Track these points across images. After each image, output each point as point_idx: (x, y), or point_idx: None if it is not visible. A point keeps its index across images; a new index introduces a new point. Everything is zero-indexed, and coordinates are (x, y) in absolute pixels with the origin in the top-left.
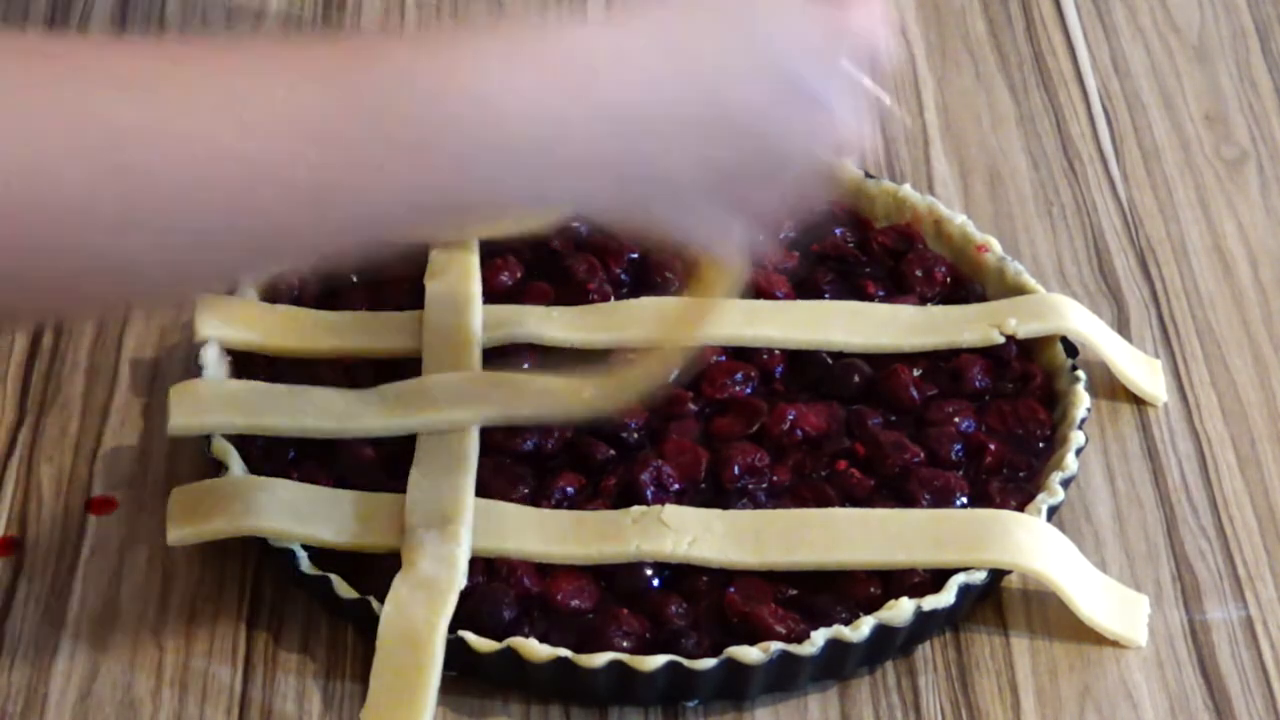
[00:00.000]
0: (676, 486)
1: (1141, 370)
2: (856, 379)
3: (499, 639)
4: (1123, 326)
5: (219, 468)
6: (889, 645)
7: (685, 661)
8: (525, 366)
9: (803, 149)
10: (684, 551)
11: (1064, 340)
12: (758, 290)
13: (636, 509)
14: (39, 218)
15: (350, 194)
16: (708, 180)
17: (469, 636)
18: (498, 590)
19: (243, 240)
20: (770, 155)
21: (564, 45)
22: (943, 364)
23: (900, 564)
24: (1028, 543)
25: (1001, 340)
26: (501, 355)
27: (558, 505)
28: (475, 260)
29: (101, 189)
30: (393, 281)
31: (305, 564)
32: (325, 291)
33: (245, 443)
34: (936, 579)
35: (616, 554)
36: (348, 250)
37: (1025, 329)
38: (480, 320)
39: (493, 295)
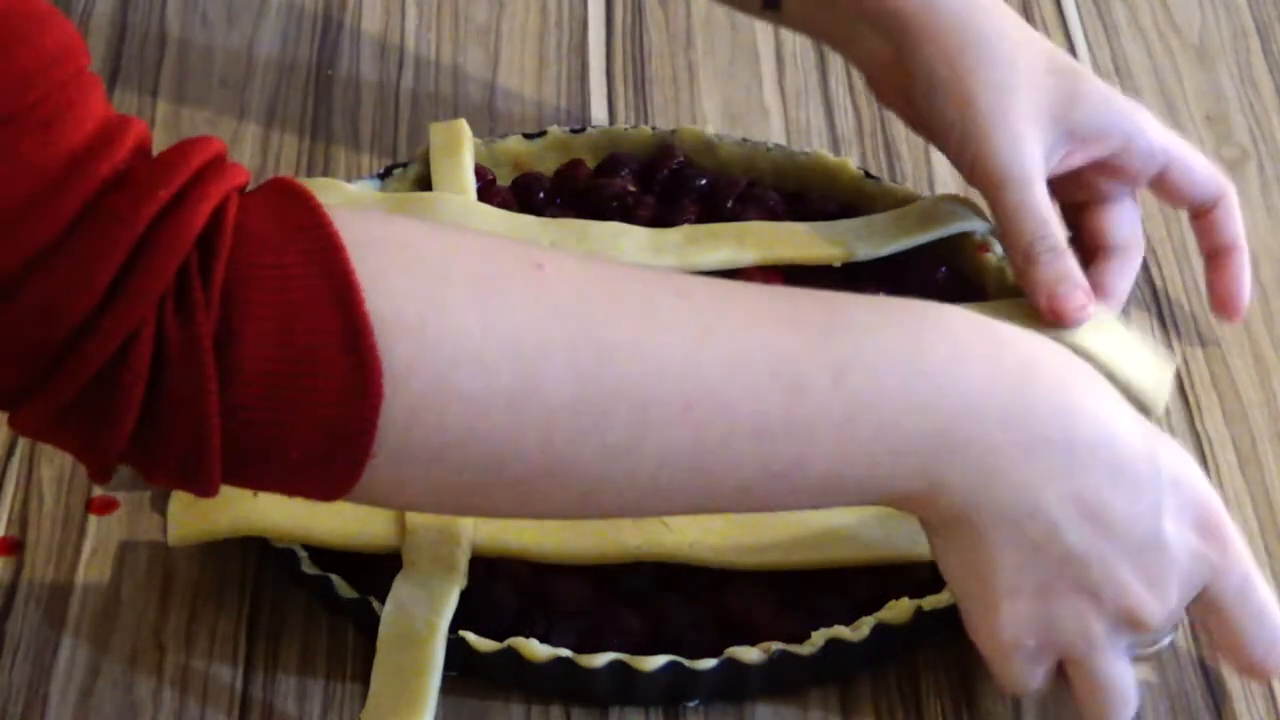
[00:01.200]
0: None
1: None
2: None
3: (499, 639)
4: None
5: None
6: (889, 645)
7: (686, 661)
8: None
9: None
10: (684, 552)
11: None
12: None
13: None
14: (516, 416)
15: (795, 455)
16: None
17: (469, 636)
18: (498, 590)
19: (684, 477)
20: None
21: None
22: None
23: (901, 557)
24: None
25: None
26: None
27: None
28: None
29: (580, 395)
30: None
31: (306, 564)
32: None
33: None
34: (937, 579)
35: (616, 554)
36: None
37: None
38: None
39: None
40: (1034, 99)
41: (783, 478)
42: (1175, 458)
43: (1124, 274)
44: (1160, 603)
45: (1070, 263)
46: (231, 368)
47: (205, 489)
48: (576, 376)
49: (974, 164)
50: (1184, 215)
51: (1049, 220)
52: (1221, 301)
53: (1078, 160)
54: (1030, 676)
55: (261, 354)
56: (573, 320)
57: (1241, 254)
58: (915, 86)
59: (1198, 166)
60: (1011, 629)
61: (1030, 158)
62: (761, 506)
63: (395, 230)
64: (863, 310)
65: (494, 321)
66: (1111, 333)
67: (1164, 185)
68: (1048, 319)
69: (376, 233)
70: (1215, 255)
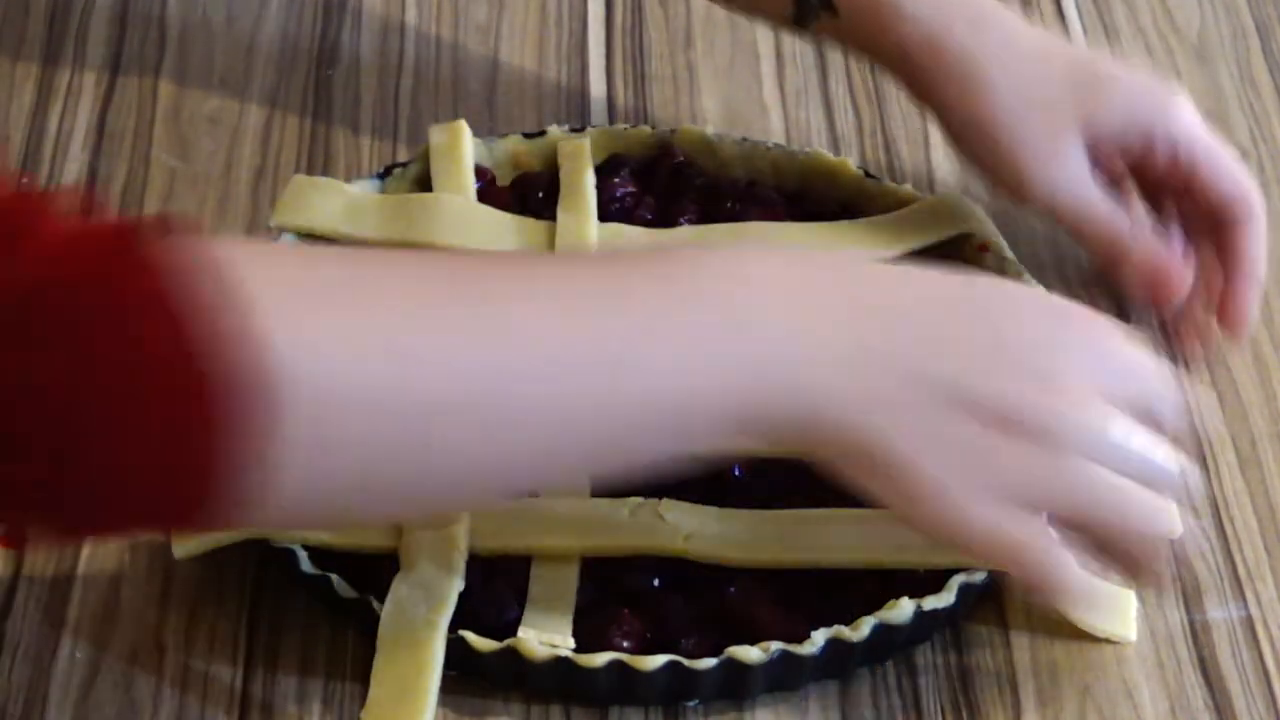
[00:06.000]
0: (676, 486)
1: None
2: None
3: (499, 639)
4: None
5: None
6: (889, 645)
7: (685, 661)
8: None
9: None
10: (679, 546)
11: None
12: None
13: (634, 500)
14: (394, 418)
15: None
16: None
17: (469, 636)
18: (498, 590)
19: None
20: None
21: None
22: None
23: (893, 563)
24: None
25: None
26: None
27: None
28: None
29: (490, 390)
30: None
31: (305, 564)
32: None
33: None
34: (937, 578)
35: (612, 547)
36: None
37: None
38: None
39: None
40: (1052, 115)
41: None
42: (985, 278)
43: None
44: (1065, 393)
45: (1151, 240)
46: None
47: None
48: (449, 371)
49: (1019, 193)
50: None
51: (1113, 217)
52: (1226, 322)
53: (1118, 163)
54: (1036, 540)
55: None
56: (497, 320)
57: (1255, 285)
58: (942, 126)
59: (1224, 173)
60: (978, 514)
61: (1067, 173)
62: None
63: (256, 248)
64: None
65: (363, 325)
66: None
67: (1191, 188)
68: (1148, 302)
69: (239, 252)
70: (1230, 277)
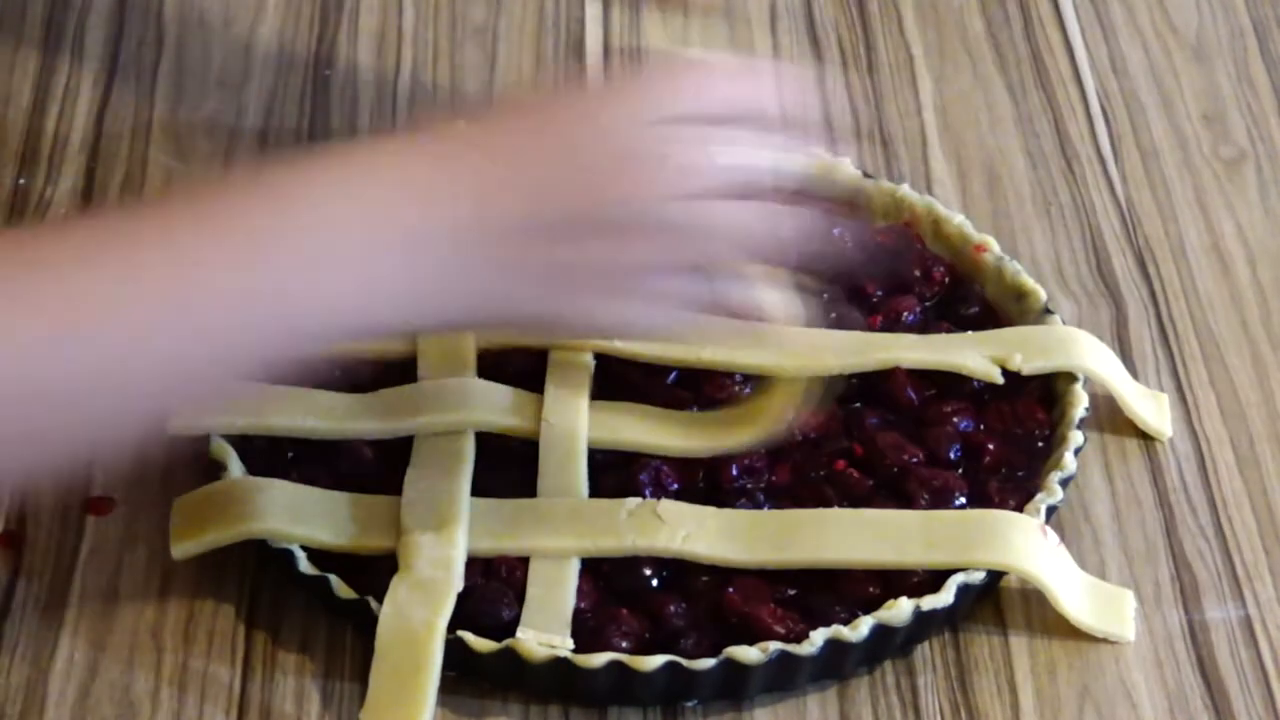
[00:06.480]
0: (675, 486)
1: (1148, 405)
2: (854, 379)
3: (498, 639)
4: (1121, 326)
5: (218, 469)
6: (888, 645)
7: (684, 661)
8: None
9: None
10: (677, 546)
11: None
12: None
13: (632, 501)
14: None
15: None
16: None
17: (468, 636)
18: (497, 590)
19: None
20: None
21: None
22: None
23: (891, 564)
24: (1016, 543)
25: (1000, 380)
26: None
27: None
28: None
29: None
30: None
31: (304, 564)
32: None
33: (244, 443)
34: (935, 578)
35: (611, 548)
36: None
37: (1031, 365)
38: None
39: None
40: None
41: None
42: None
43: None
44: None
45: None
46: None
47: None
48: None
49: None
50: (1182, 215)
51: None
52: None
53: None
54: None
55: None
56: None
57: None
58: None
59: None
60: (627, 316)
61: None
62: None
63: None
64: None
65: None
66: (1110, 365)
67: None
68: None
69: None
70: None
